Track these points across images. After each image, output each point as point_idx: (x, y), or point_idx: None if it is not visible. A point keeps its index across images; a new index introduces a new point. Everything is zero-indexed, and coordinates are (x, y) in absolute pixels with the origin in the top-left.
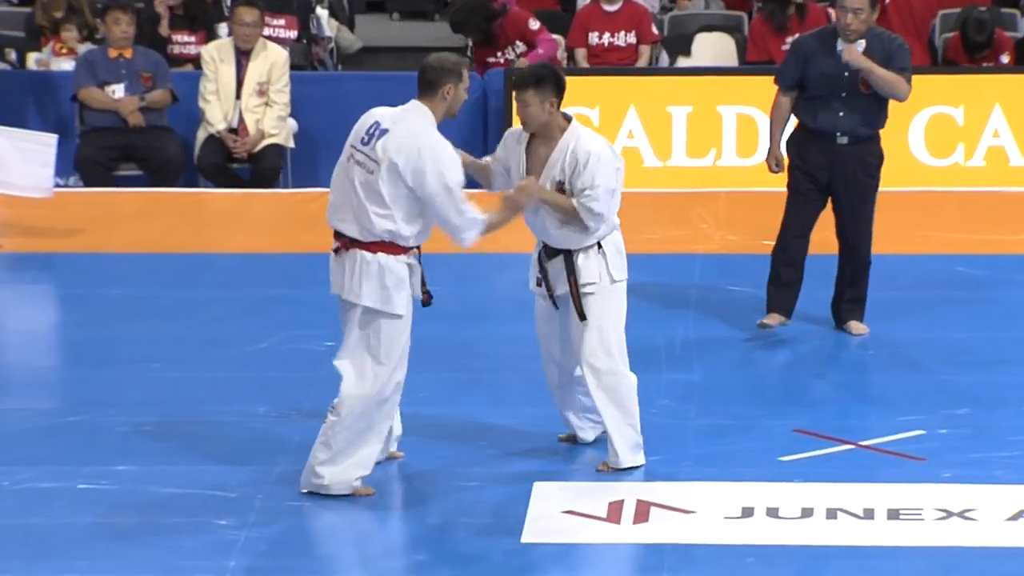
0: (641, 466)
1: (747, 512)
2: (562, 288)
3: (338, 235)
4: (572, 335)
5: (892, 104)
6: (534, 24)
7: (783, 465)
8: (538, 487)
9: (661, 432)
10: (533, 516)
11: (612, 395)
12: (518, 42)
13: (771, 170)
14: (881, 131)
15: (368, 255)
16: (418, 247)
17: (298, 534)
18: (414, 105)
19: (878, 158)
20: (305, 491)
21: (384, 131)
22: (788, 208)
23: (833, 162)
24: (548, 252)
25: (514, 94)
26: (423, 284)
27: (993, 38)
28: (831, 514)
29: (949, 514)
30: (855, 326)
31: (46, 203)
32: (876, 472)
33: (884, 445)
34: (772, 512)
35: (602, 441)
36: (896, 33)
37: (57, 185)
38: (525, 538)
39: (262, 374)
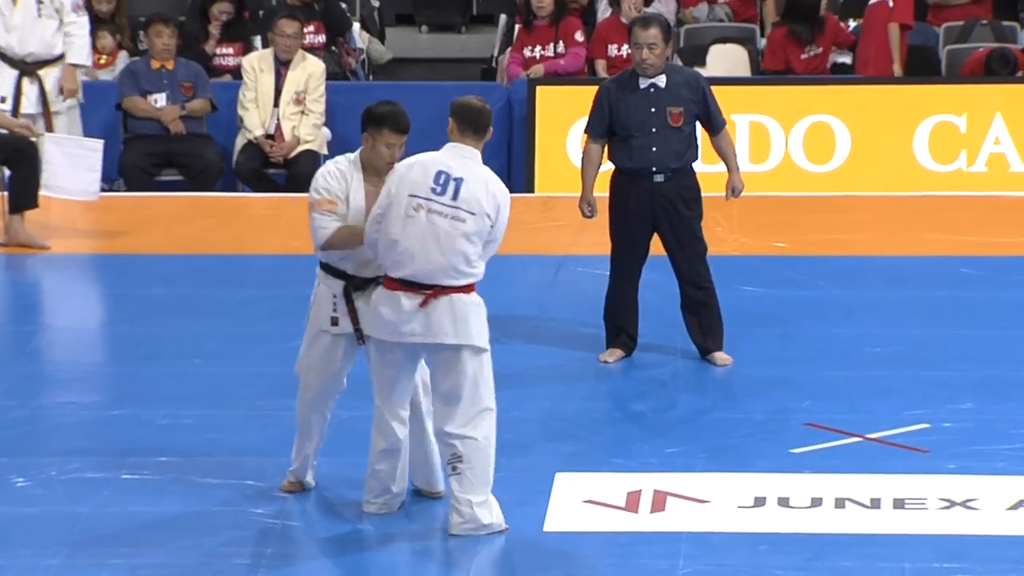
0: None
1: (759, 501)
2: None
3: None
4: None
5: (898, 112)
6: (579, 36)
7: (794, 457)
8: (559, 478)
9: (677, 425)
10: (555, 506)
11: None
12: (561, 42)
13: (584, 215)
14: (694, 164)
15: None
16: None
17: (332, 522)
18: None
19: (694, 191)
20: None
21: (459, 179)
22: (613, 255)
23: (653, 201)
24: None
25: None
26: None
27: (1016, 67)
28: (839, 503)
29: (952, 504)
30: (719, 357)
31: (92, 206)
32: (883, 464)
33: (890, 438)
34: (783, 501)
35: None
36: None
37: (102, 189)
38: (548, 527)
39: None
